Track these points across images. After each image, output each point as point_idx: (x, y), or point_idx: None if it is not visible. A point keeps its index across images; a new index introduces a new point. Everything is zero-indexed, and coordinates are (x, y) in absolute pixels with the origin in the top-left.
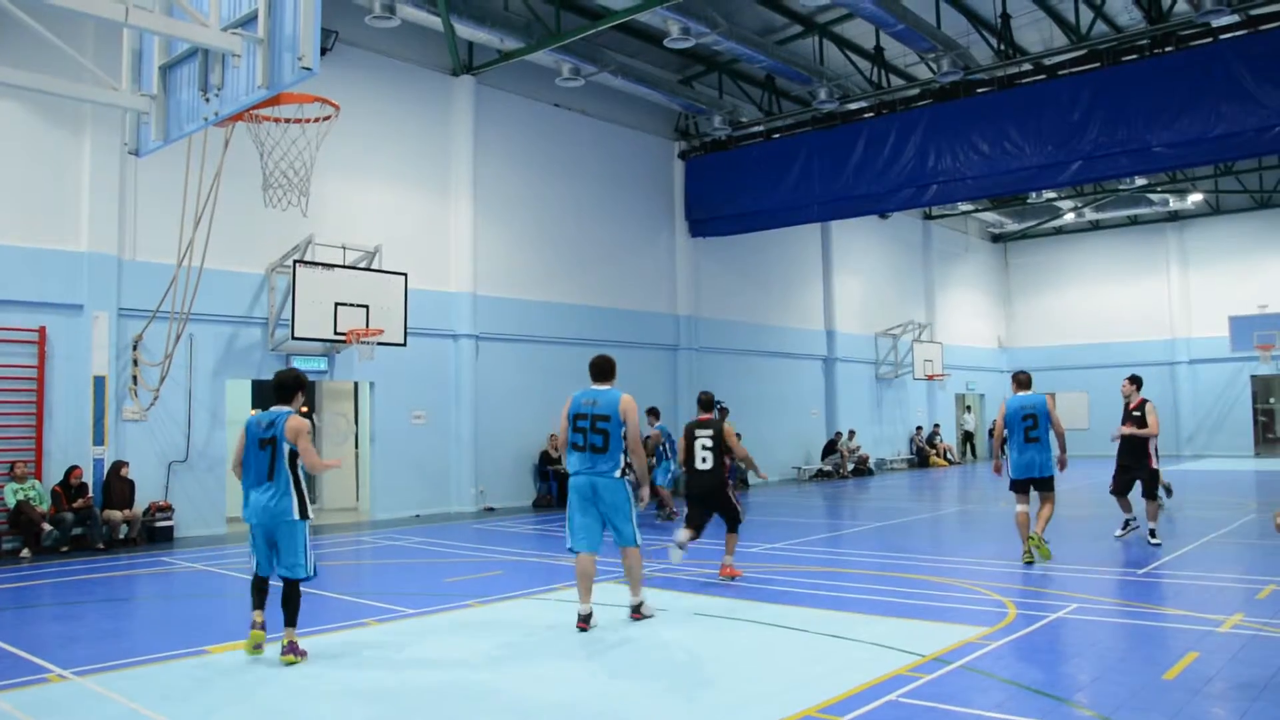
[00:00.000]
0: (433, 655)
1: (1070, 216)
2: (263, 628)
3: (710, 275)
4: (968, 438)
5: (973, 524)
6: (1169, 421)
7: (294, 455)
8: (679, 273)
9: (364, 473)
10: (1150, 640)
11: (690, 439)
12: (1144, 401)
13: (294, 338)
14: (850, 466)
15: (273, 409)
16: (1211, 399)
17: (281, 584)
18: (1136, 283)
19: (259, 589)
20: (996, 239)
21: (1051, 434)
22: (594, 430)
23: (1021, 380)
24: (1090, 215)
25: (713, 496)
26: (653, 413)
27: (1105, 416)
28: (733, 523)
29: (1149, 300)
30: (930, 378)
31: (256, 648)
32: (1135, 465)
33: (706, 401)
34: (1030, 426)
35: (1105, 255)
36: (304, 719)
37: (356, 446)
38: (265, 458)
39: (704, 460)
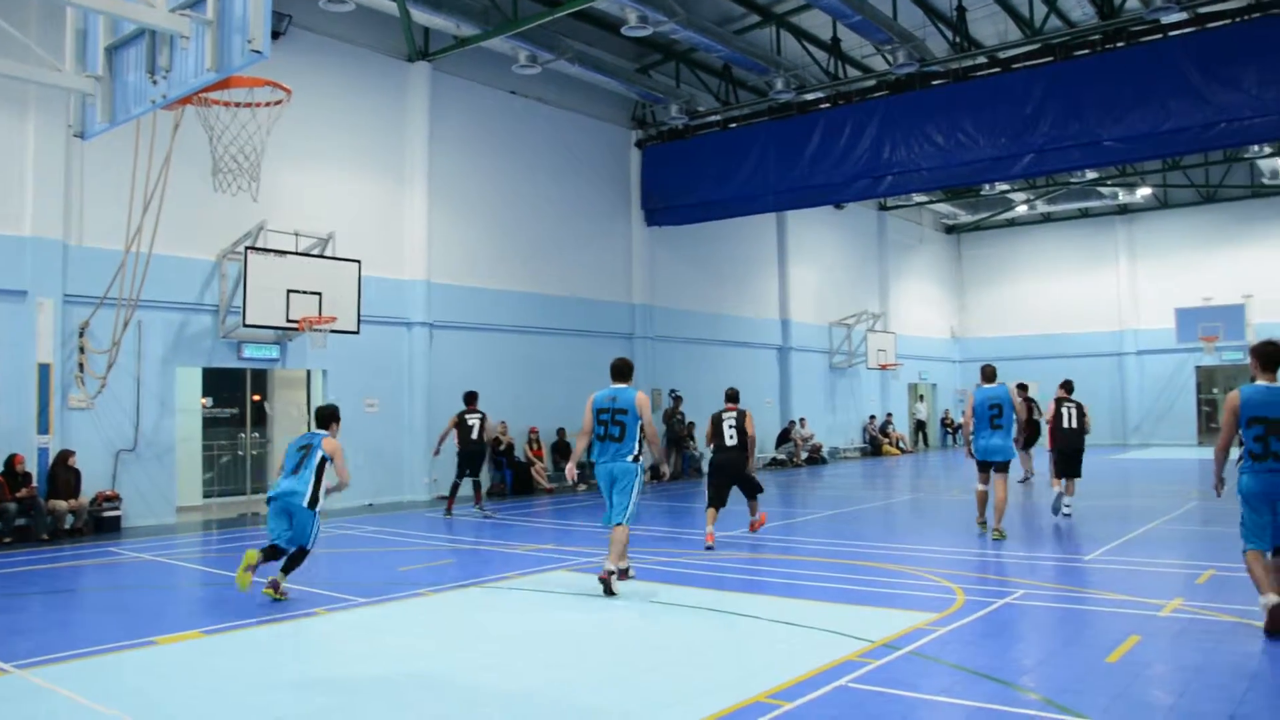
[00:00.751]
0: (385, 644)
1: (1022, 209)
2: (259, 556)
3: (666, 264)
4: (920, 427)
5: (923, 512)
6: (1118, 411)
7: (322, 463)
8: (635, 261)
9: None
10: (1093, 624)
11: (718, 423)
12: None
13: (245, 325)
14: (804, 455)
15: (314, 430)
16: (1157, 389)
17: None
18: (1086, 275)
19: (273, 548)
20: (950, 230)
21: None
22: (613, 423)
23: (987, 373)
24: (1042, 208)
25: (735, 467)
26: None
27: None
28: (753, 493)
29: (1098, 292)
30: (883, 367)
31: (248, 569)
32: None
33: (733, 395)
34: (995, 415)
35: (1056, 247)
36: (254, 710)
37: None
38: (299, 457)
39: (730, 438)
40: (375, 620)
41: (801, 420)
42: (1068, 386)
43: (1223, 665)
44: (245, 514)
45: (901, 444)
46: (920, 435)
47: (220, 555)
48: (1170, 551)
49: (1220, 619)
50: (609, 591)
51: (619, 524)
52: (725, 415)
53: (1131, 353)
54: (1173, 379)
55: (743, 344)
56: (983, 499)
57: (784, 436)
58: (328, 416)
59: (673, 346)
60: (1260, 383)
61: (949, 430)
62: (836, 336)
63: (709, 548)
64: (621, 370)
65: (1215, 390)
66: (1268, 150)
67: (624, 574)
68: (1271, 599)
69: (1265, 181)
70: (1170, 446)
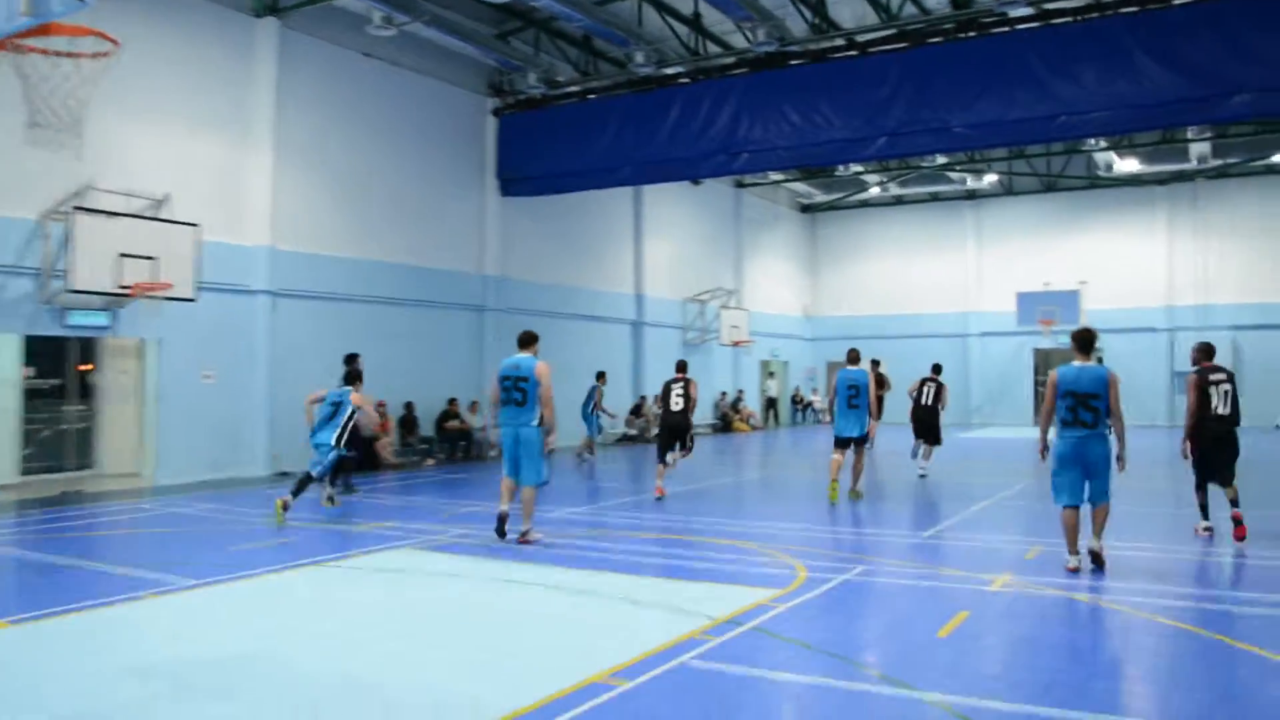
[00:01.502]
0: (216, 627)
1: (876, 190)
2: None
3: (520, 236)
4: (771, 404)
5: (770, 489)
6: (961, 391)
7: (350, 415)
8: (488, 232)
9: (148, 435)
10: (928, 600)
11: (667, 389)
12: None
13: (71, 290)
14: (655, 430)
15: (342, 387)
16: (998, 370)
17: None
18: (935, 257)
19: (306, 482)
20: (805, 209)
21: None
22: (515, 389)
23: (852, 357)
24: (894, 190)
25: (680, 428)
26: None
27: (903, 386)
28: (686, 451)
29: (946, 274)
30: (736, 344)
31: (284, 510)
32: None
33: (682, 365)
34: (853, 395)
35: (907, 229)
36: (68, 699)
37: (141, 407)
38: (330, 410)
39: (676, 404)
40: (207, 603)
41: (655, 396)
42: (936, 369)
43: (1045, 637)
44: (67, 492)
45: (752, 420)
46: (771, 412)
47: (37, 537)
48: (1002, 528)
49: (1045, 593)
50: (501, 534)
51: (529, 485)
52: (674, 384)
53: (975, 334)
54: (1013, 360)
55: (597, 318)
56: (836, 466)
57: (636, 411)
58: (352, 375)
59: (525, 319)
60: (1075, 363)
61: (799, 407)
62: (690, 312)
63: (659, 499)
64: (524, 340)
65: (1051, 372)
66: (1103, 144)
67: (525, 536)
68: (1072, 561)
69: (1100, 174)
70: (1008, 426)
